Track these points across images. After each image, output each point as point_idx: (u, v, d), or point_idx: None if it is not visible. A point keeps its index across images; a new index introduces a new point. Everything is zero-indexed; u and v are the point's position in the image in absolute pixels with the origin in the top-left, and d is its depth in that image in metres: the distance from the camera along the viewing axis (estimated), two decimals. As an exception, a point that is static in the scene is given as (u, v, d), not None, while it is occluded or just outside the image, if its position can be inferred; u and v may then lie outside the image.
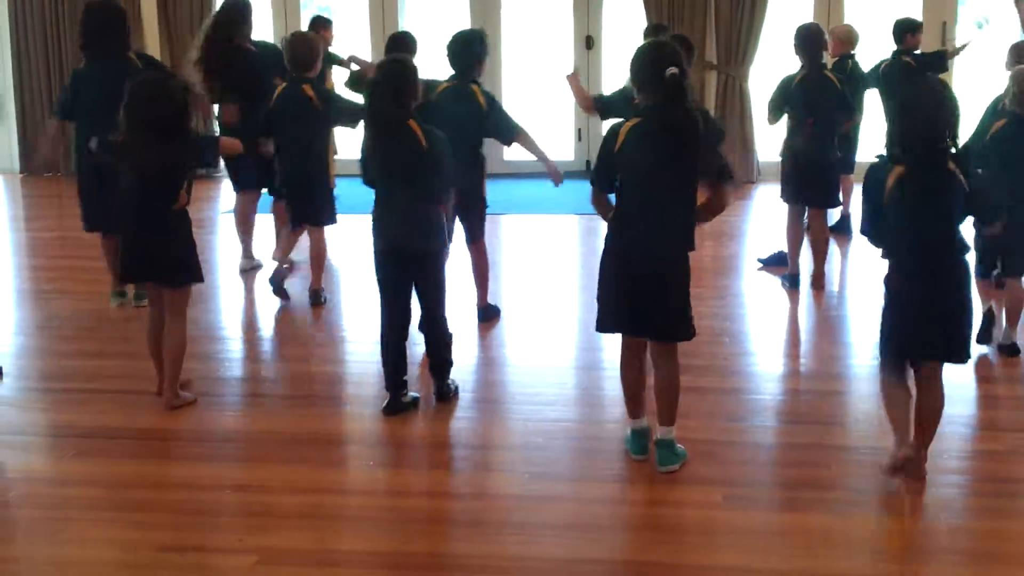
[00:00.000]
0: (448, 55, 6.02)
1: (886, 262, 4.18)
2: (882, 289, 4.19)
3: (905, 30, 8.39)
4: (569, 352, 5.93)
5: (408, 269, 4.91)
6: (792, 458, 4.59)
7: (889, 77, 8.15)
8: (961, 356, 4.14)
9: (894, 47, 8.38)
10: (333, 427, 4.95)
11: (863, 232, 4.24)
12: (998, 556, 3.75)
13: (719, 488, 4.22)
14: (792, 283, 7.03)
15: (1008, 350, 5.60)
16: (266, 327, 6.57)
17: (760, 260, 7.70)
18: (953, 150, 3.96)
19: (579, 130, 11.18)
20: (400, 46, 6.69)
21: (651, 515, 4.09)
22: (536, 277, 7.50)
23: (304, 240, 6.90)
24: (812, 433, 4.79)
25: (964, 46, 9.04)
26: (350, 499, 4.27)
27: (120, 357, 5.75)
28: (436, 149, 4.79)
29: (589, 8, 11.11)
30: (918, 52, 8.45)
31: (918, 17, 9.10)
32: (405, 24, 10.83)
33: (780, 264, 7.37)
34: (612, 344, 5.55)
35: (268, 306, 6.69)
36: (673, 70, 4.07)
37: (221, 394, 5.36)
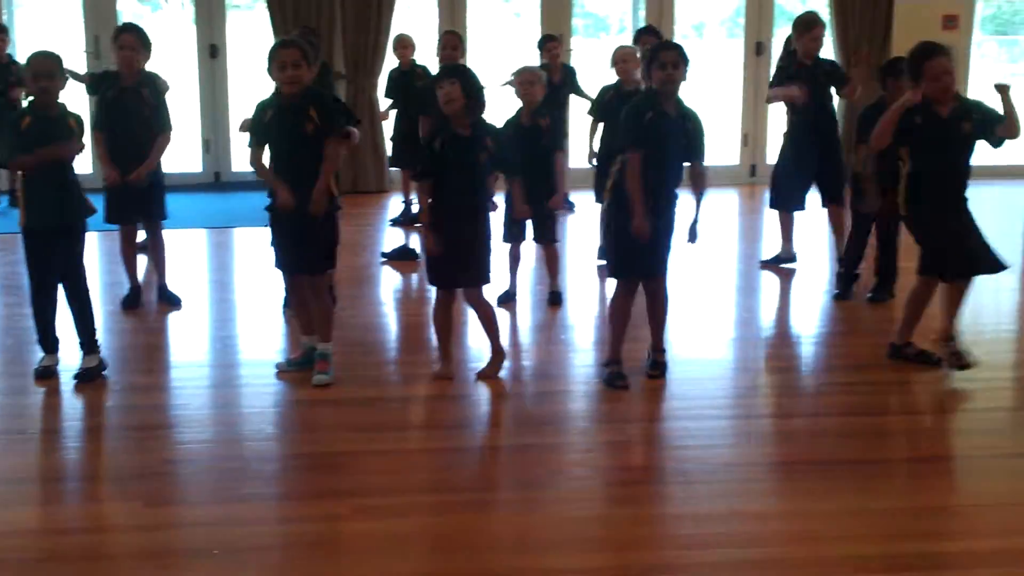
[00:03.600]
0: None
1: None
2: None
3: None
4: (202, 371, 5.74)
5: None
6: (423, 463, 4.62)
7: None
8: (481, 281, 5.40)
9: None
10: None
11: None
12: (628, 541, 3.93)
13: (348, 500, 4.19)
14: None
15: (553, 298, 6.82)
16: None
17: (384, 254, 8.15)
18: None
19: (207, 141, 10.92)
20: None
21: (282, 533, 3.99)
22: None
23: None
24: (440, 438, 4.88)
25: None
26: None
27: None
28: None
29: (212, 17, 10.85)
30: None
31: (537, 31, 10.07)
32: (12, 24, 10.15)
33: (404, 258, 7.99)
34: (250, 361, 5.48)
35: None
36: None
37: None
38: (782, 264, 7.75)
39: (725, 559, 3.77)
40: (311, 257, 5.38)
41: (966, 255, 5.39)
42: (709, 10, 15.22)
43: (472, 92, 5.19)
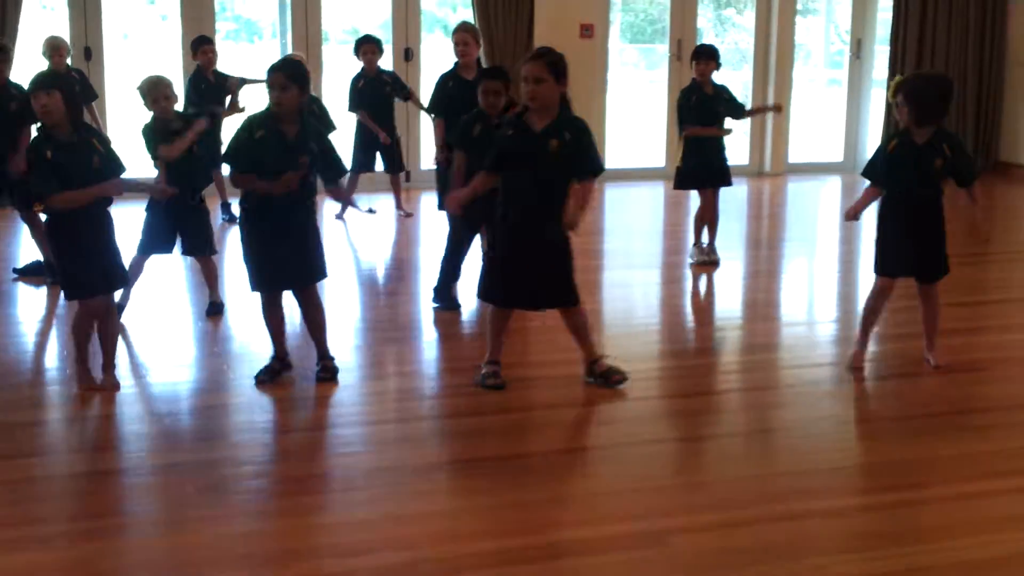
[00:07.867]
0: None
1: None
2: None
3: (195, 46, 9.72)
4: None
5: None
6: (63, 488, 4.38)
7: None
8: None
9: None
10: None
11: None
12: (285, 554, 3.86)
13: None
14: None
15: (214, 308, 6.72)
16: None
17: (15, 270, 7.72)
18: None
19: None
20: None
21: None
22: None
23: None
24: (84, 461, 4.65)
25: None
26: None
27: None
28: None
29: None
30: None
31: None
32: None
33: (38, 273, 7.51)
34: None
35: None
36: None
37: None
38: None
39: (381, 563, 3.77)
40: None
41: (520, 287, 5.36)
42: (360, 16, 15.29)
43: (72, 101, 5.11)
